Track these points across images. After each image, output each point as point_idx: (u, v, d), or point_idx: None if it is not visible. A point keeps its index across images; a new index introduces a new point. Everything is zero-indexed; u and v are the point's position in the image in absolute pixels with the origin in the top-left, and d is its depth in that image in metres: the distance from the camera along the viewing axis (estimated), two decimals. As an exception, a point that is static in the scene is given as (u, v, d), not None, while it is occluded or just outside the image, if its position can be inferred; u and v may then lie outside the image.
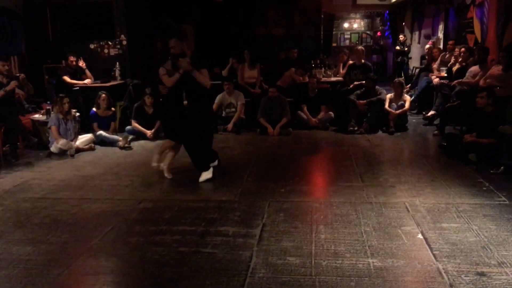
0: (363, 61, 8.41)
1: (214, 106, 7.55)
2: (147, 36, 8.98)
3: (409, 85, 10.11)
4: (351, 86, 8.15)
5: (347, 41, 18.64)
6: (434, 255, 3.18)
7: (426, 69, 9.58)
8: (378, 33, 18.14)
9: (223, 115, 7.88)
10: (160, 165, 5.21)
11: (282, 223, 3.81)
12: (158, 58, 4.92)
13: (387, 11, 15.99)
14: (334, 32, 17.71)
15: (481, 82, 6.68)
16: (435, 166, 5.43)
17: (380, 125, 7.53)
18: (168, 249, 3.38)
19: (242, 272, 3.02)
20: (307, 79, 8.37)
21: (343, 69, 8.91)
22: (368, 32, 18.85)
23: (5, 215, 4.16)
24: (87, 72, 7.92)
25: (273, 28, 11.48)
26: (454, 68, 8.06)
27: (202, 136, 5.00)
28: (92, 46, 8.54)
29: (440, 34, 11.36)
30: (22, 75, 6.59)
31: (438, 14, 11.65)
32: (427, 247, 3.31)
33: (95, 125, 7.00)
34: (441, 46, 10.50)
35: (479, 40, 8.35)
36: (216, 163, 5.18)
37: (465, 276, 2.89)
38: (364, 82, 7.90)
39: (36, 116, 7.09)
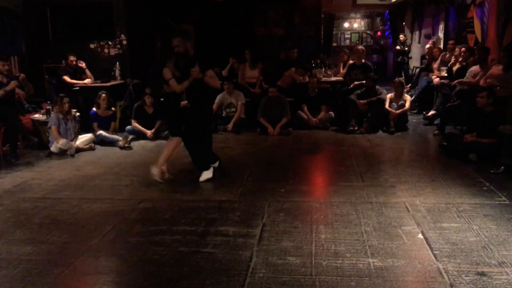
0: (363, 61, 8.42)
1: (214, 106, 7.55)
2: (147, 36, 8.98)
3: (409, 85, 10.11)
4: (351, 86, 8.15)
5: (347, 41, 18.62)
6: (434, 255, 3.18)
7: (427, 69, 9.57)
8: (379, 33, 18.14)
9: (223, 115, 7.88)
10: (166, 174, 5.04)
11: (282, 223, 3.80)
12: (158, 58, 4.89)
13: (387, 11, 16.00)
14: (334, 32, 17.70)
15: (482, 82, 6.68)
16: (435, 166, 5.42)
17: (381, 125, 7.53)
18: (168, 249, 3.37)
19: (242, 272, 3.01)
20: (307, 79, 8.37)
21: (343, 69, 8.90)
22: (368, 32, 18.84)
23: (5, 215, 4.16)
24: (87, 72, 7.92)
25: (273, 28, 11.48)
26: (455, 68, 8.06)
27: (202, 135, 5.00)
28: (92, 46, 8.54)
29: (441, 34, 11.37)
30: (22, 75, 6.58)
31: (438, 14, 11.66)
32: (428, 247, 3.30)
33: (95, 125, 7.00)
34: (442, 46, 10.50)
35: (480, 39, 8.35)
36: (217, 164, 5.18)
37: (466, 276, 2.89)
38: (364, 82, 7.91)
39: (36, 116, 7.09)
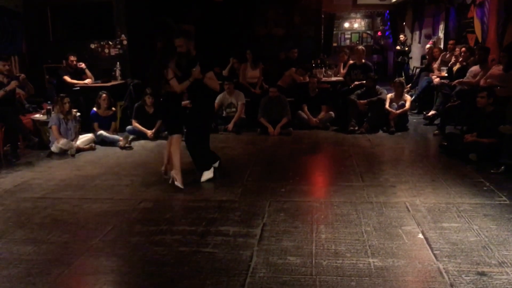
0: (363, 61, 8.41)
1: (215, 106, 7.54)
2: (147, 36, 8.97)
3: (410, 85, 10.12)
4: (351, 86, 8.15)
5: (348, 41, 18.63)
6: (434, 254, 3.18)
7: (427, 69, 9.57)
8: (379, 33, 18.14)
9: (224, 115, 7.89)
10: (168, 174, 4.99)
11: (283, 223, 3.80)
12: (158, 58, 4.88)
13: (388, 11, 16.00)
14: (334, 32, 17.69)
15: (482, 82, 6.68)
16: (435, 166, 5.42)
17: (381, 125, 7.53)
18: (169, 248, 3.38)
19: (242, 271, 3.02)
20: (307, 79, 8.37)
21: (343, 69, 8.90)
22: (369, 32, 18.84)
23: (6, 214, 4.16)
24: (88, 72, 7.92)
25: (273, 28, 11.46)
26: (455, 68, 8.06)
27: (202, 135, 4.99)
28: (92, 46, 8.55)
29: (441, 34, 11.37)
30: (23, 75, 6.60)
31: (438, 14, 11.66)
32: (428, 247, 3.31)
33: (95, 125, 7.00)
34: (442, 46, 10.50)
35: (480, 39, 8.35)
36: (217, 164, 5.18)
37: (466, 276, 2.89)
38: (364, 82, 7.90)
39: (37, 116, 7.10)
